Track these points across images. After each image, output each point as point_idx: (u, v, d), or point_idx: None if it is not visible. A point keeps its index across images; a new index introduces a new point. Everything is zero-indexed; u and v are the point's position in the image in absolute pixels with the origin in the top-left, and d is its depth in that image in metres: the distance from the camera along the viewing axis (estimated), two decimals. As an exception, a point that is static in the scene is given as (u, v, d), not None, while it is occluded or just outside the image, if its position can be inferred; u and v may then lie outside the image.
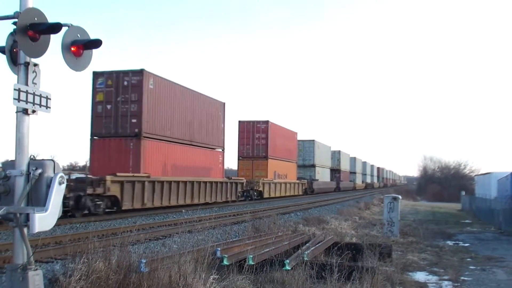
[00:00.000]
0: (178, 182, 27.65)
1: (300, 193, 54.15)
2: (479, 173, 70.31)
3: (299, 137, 61.03)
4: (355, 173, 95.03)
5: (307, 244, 13.38)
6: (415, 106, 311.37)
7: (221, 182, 34.00)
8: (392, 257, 14.08)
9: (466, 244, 20.29)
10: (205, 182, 31.19)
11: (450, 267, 14.10)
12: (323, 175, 68.03)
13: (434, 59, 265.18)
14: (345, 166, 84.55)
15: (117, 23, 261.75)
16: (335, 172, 78.60)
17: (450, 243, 20.53)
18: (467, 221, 35.28)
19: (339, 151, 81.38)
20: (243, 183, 38.57)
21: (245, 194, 39.78)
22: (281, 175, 48.11)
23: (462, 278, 12.79)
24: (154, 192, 25.21)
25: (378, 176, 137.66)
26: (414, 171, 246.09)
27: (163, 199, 26.15)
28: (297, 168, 57.21)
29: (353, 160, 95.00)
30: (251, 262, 10.03)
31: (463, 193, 59.87)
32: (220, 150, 35.12)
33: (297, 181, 54.15)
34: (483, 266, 14.76)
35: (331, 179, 75.83)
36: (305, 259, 11.13)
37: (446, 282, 12.32)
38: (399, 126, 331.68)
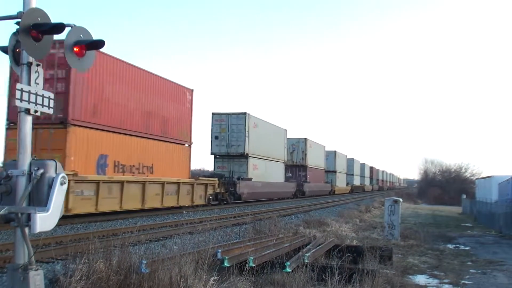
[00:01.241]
0: None
1: (202, 202, 29.51)
2: (480, 176, 70.42)
3: (226, 110, 41.88)
4: (334, 172, 73.62)
5: (308, 247, 13.39)
6: (417, 109, 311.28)
7: None
8: (392, 260, 14.08)
9: (467, 248, 20.28)
10: None
11: (451, 271, 14.10)
12: (266, 172, 43.09)
13: (436, 62, 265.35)
14: (315, 161, 62.76)
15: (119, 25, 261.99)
16: (298, 169, 57.52)
17: (450, 246, 20.52)
18: (467, 224, 35.26)
19: (305, 139, 58.28)
20: None
21: None
22: (130, 167, 22.93)
23: (463, 281, 12.77)
24: None
25: (371, 178, 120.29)
26: (414, 174, 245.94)
27: None
28: (214, 159, 39.01)
29: (331, 155, 73.20)
30: (251, 264, 10.04)
31: (464, 196, 59.87)
32: None
33: (190, 181, 28.32)
34: (483, 269, 14.75)
35: (289, 179, 52.85)
36: (306, 261, 11.14)
37: (446, 286, 12.30)
38: (400, 129, 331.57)
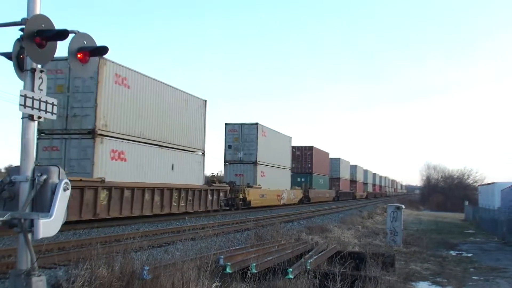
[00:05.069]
0: None
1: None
2: (483, 183, 70.29)
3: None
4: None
5: (310, 253, 13.37)
6: (419, 115, 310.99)
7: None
8: (395, 266, 14.05)
9: (470, 254, 20.23)
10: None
11: (453, 277, 14.06)
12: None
13: (438, 67, 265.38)
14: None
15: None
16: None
17: (453, 253, 20.47)
18: (470, 231, 35.16)
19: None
20: None
21: None
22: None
23: (466, 288, 12.75)
24: None
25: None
26: (416, 180, 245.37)
27: None
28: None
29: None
30: (254, 271, 10.03)
31: (467, 203, 59.75)
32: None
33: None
34: (486, 276, 14.71)
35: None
36: (308, 267, 11.13)
37: (449, 293, 12.27)
38: (402, 135, 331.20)
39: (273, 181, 45.05)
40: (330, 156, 76.31)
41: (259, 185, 41.12)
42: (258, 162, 41.85)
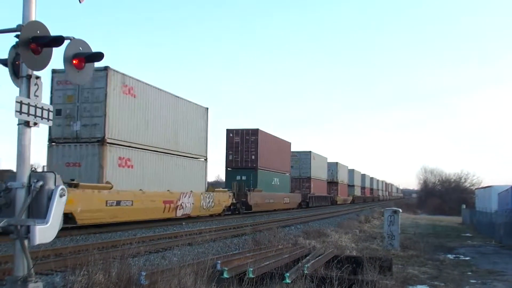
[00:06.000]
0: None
1: None
2: (480, 186, 70.36)
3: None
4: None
5: (307, 257, 13.36)
6: (415, 118, 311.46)
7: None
8: (392, 270, 14.03)
9: (467, 258, 20.23)
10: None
11: (451, 281, 14.06)
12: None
13: (433, 71, 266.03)
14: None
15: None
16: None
17: (450, 256, 20.47)
18: (467, 234, 35.19)
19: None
20: None
21: None
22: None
23: (463, 292, 12.74)
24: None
25: None
26: (413, 184, 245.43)
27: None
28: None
29: None
30: (251, 275, 10.02)
31: (464, 206, 59.81)
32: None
33: None
34: (483, 280, 14.71)
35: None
36: (305, 272, 11.12)
37: (446, 296, 12.26)
38: (399, 139, 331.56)
39: (157, 178, 26.60)
40: (298, 150, 58.80)
41: (107, 182, 22.07)
42: (109, 140, 22.75)
